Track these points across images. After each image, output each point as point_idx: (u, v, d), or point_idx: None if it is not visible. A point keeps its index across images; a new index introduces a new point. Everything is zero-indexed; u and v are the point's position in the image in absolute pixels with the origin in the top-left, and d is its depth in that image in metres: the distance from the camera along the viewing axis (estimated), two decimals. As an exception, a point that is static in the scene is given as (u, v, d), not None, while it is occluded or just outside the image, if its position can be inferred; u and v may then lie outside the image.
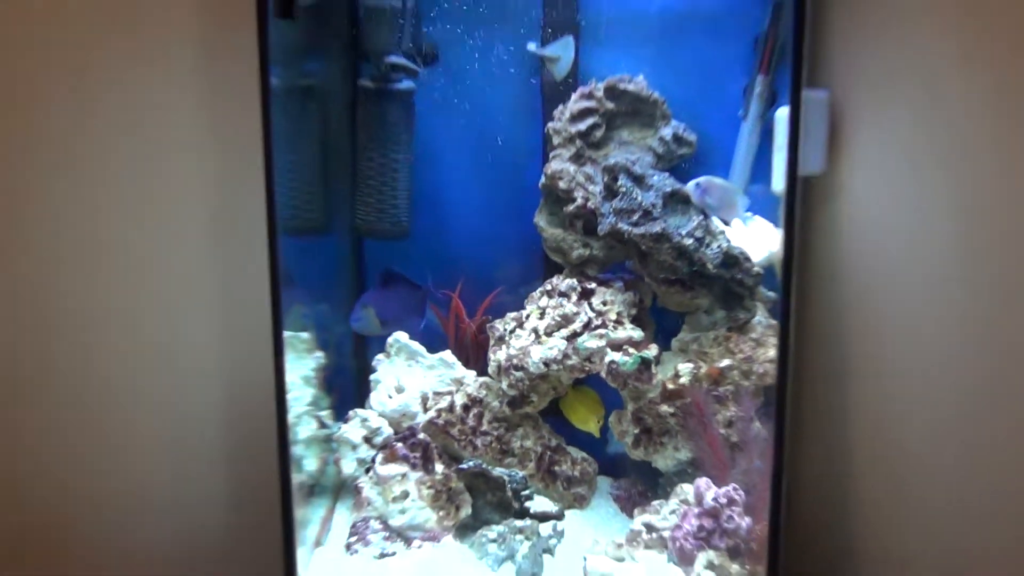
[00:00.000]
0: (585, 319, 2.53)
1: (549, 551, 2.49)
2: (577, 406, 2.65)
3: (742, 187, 2.54)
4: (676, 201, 2.50)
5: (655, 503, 2.51)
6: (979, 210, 2.22)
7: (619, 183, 2.49)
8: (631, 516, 2.57)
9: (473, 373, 2.72)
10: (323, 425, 2.69)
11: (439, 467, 2.56)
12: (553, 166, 2.60)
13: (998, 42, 2.17)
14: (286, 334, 2.34)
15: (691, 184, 2.50)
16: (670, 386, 2.52)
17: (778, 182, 2.46)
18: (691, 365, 2.53)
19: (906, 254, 2.38)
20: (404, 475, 2.55)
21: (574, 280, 2.59)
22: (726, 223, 2.54)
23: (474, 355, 2.76)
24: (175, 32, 2.56)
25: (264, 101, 2.23)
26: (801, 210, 2.31)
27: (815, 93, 2.45)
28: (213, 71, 2.58)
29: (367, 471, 2.60)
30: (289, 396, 2.35)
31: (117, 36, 2.57)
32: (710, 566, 2.27)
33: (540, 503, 2.63)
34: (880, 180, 2.43)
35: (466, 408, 2.63)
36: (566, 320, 2.54)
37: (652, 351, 2.51)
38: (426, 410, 2.67)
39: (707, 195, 2.48)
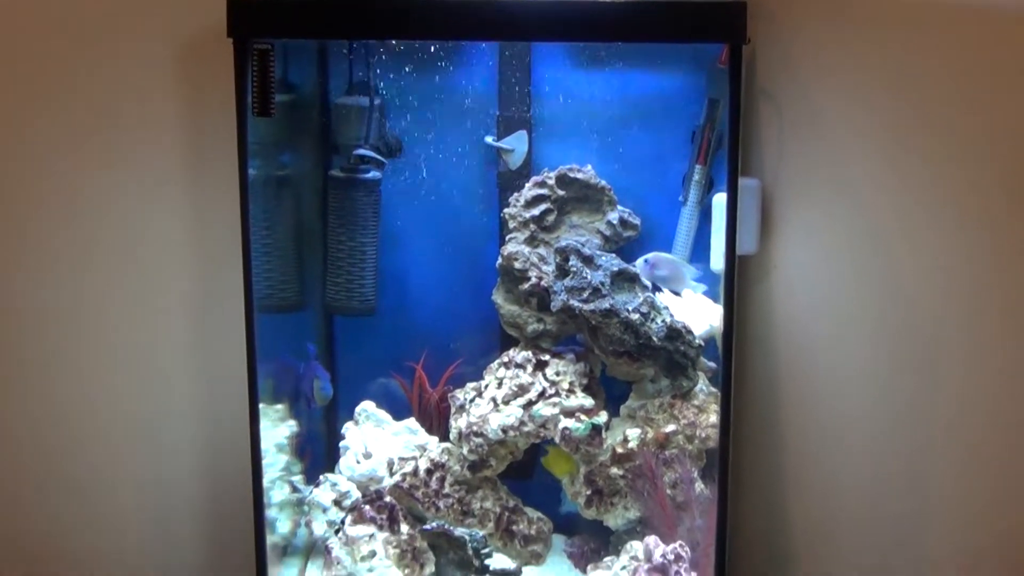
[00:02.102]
0: (540, 389, 2.50)
1: (508, 606, 2.46)
2: (561, 462, 2.61)
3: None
4: (623, 280, 2.48)
5: (607, 559, 2.49)
6: (892, 286, 2.24)
7: (570, 263, 2.47)
8: (584, 572, 2.54)
9: (436, 439, 2.67)
10: (295, 489, 2.64)
11: (404, 528, 2.52)
12: (509, 248, 2.58)
13: (900, 142, 2.21)
14: (261, 404, 2.31)
15: (640, 261, 2.50)
16: (619, 450, 2.50)
17: (716, 261, 2.47)
18: (639, 430, 2.50)
19: (831, 323, 2.40)
20: (371, 536, 2.49)
21: (529, 352, 2.56)
22: (677, 294, 2.53)
23: (437, 422, 2.72)
24: (160, 127, 2.55)
25: (242, 190, 2.22)
26: (738, 287, 2.31)
27: (748, 181, 2.47)
28: (194, 164, 2.56)
29: (337, 532, 2.53)
30: (263, 462, 2.32)
31: (102, 129, 2.54)
32: (660, 619, 2.24)
33: (499, 560, 2.58)
34: (806, 259, 2.45)
35: (429, 472, 2.58)
36: (522, 390, 2.51)
37: (602, 418, 2.49)
38: (392, 474, 2.61)
39: (656, 269, 2.49)
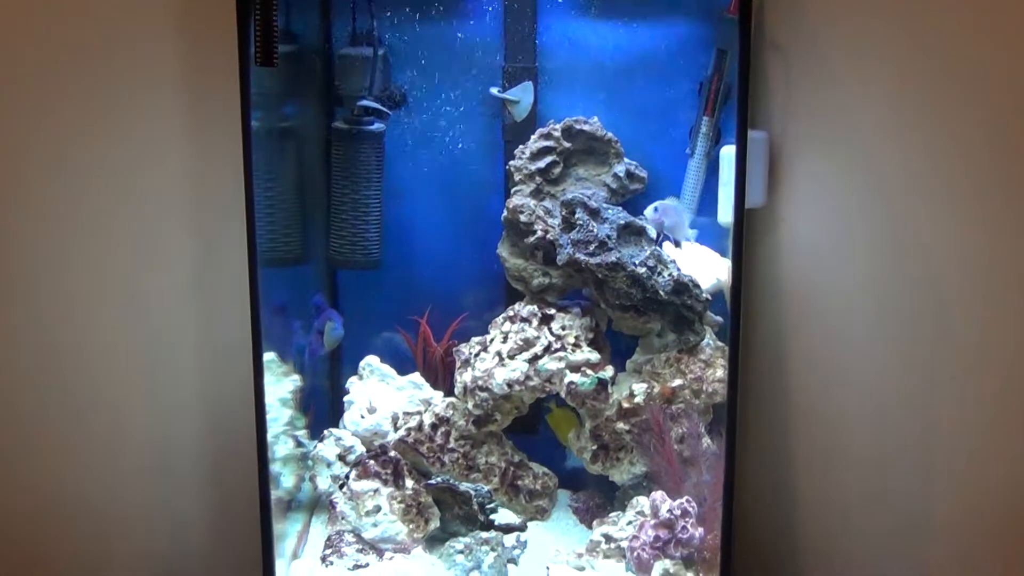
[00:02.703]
0: (545, 343, 2.49)
1: (513, 561, 2.44)
2: (563, 424, 2.61)
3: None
4: (629, 233, 2.45)
5: (612, 515, 2.48)
6: (901, 240, 2.22)
7: (576, 216, 2.44)
8: (590, 527, 2.53)
9: (440, 394, 2.66)
10: (299, 444, 2.61)
11: (409, 483, 2.50)
12: (514, 201, 2.55)
13: (910, 94, 2.18)
14: (265, 358, 2.29)
15: (649, 208, 2.48)
16: (625, 405, 2.48)
17: (723, 214, 2.44)
18: (645, 385, 2.49)
19: (839, 276, 2.37)
20: (376, 490, 2.48)
21: (535, 306, 2.54)
22: (678, 243, 2.51)
23: (441, 377, 2.71)
24: (161, 78, 2.51)
25: (245, 142, 2.17)
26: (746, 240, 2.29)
27: (755, 133, 2.43)
28: (196, 115, 2.53)
29: (341, 487, 2.53)
30: (268, 417, 2.30)
31: (104, 80, 2.51)
32: (666, 574, 2.23)
33: (504, 515, 2.57)
34: (815, 213, 2.42)
35: (434, 427, 2.57)
36: (527, 344, 2.49)
37: (608, 372, 2.47)
38: (396, 429, 2.60)
39: (664, 216, 2.47)
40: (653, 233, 2.48)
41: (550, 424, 2.64)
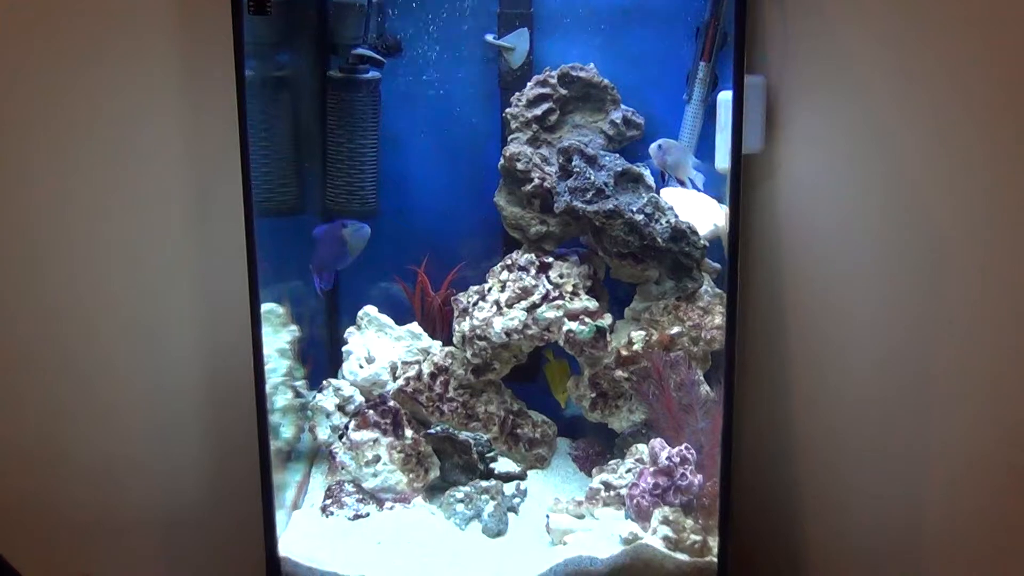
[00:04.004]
0: (543, 291, 2.48)
1: (513, 509, 2.45)
2: (555, 378, 2.63)
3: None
4: (627, 180, 2.44)
5: (612, 463, 2.48)
6: (899, 184, 2.21)
7: (573, 164, 2.43)
8: (589, 475, 2.54)
9: (439, 343, 2.66)
10: (298, 394, 2.62)
11: (408, 432, 2.50)
12: (511, 148, 2.54)
13: (909, 37, 2.16)
14: (263, 308, 2.29)
15: (653, 145, 2.47)
16: (624, 352, 2.47)
17: (721, 160, 2.43)
18: (643, 332, 2.48)
19: (837, 222, 2.37)
20: (376, 440, 2.49)
21: (532, 255, 2.53)
22: (681, 182, 2.50)
23: (440, 326, 2.70)
24: (153, 27, 2.49)
25: (239, 91, 2.16)
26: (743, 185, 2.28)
27: (752, 78, 2.42)
28: (190, 64, 2.51)
29: (340, 437, 2.53)
30: (266, 368, 2.30)
31: (95, 29, 2.49)
32: (665, 521, 2.23)
33: (504, 464, 2.57)
34: (813, 158, 2.41)
35: (433, 376, 2.57)
36: (525, 292, 2.49)
37: (606, 320, 2.47)
38: (395, 379, 2.61)
39: (667, 155, 2.46)
40: (651, 180, 2.47)
41: (546, 374, 2.65)
